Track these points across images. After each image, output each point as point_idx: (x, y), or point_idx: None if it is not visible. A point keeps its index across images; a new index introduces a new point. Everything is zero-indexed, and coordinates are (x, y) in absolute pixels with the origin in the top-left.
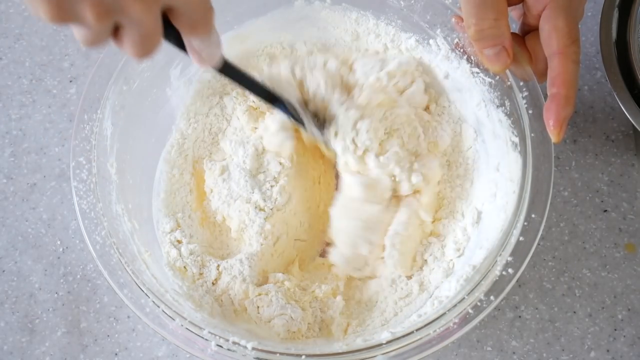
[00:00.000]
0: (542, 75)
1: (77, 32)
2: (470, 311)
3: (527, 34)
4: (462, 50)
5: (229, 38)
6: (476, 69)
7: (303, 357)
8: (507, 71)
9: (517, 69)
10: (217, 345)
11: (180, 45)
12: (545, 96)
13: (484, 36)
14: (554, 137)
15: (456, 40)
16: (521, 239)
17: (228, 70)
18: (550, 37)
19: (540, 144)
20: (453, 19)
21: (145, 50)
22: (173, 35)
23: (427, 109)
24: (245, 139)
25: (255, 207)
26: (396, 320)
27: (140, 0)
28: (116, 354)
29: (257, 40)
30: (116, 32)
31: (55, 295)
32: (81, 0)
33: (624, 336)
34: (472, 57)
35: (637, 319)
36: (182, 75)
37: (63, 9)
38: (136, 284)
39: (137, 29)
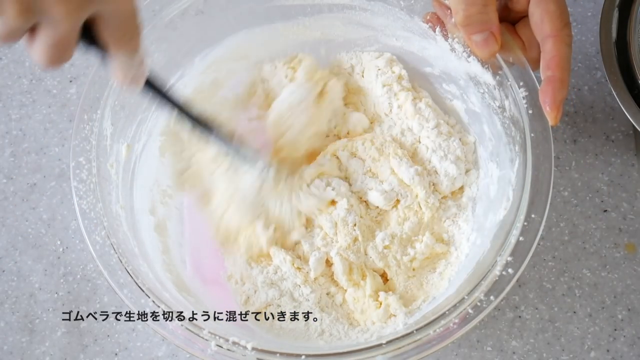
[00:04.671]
0: (536, 62)
1: None
2: (470, 311)
3: (516, 22)
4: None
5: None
6: (475, 70)
7: (303, 357)
8: (507, 70)
9: (512, 57)
10: (217, 345)
11: (104, 60)
12: None
13: (472, 22)
14: (551, 119)
15: (428, 16)
16: (521, 239)
17: (152, 90)
18: (543, 21)
19: (540, 144)
20: (435, 4)
21: (53, 57)
22: (96, 48)
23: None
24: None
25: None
26: None
27: (64, 2)
28: (116, 354)
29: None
30: (31, 32)
31: (55, 295)
32: None
33: (624, 336)
34: (470, 56)
35: (637, 319)
36: (181, 77)
37: None
38: (136, 284)
39: (53, 33)
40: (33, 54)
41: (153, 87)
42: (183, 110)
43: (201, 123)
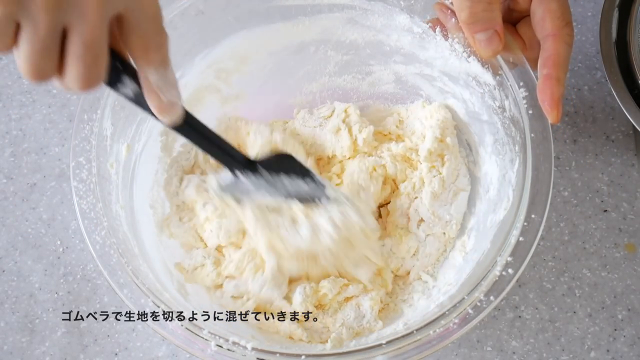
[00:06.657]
0: (537, 62)
1: (21, 54)
2: (470, 311)
3: (517, 21)
4: (436, 30)
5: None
6: (475, 70)
7: (303, 357)
8: (507, 70)
9: (512, 57)
10: (217, 345)
11: (137, 94)
12: None
13: (477, 20)
14: (551, 118)
15: (430, 22)
16: (521, 239)
17: (191, 127)
18: (544, 20)
19: (540, 144)
20: (437, 7)
21: (88, 72)
22: (127, 75)
23: None
24: None
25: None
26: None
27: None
28: (116, 354)
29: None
30: (61, 56)
31: (55, 295)
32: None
33: (624, 336)
34: (470, 55)
35: (637, 319)
36: (181, 77)
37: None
38: (136, 284)
39: (85, 30)
40: (68, 74)
41: (193, 121)
42: (229, 152)
43: (248, 167)
